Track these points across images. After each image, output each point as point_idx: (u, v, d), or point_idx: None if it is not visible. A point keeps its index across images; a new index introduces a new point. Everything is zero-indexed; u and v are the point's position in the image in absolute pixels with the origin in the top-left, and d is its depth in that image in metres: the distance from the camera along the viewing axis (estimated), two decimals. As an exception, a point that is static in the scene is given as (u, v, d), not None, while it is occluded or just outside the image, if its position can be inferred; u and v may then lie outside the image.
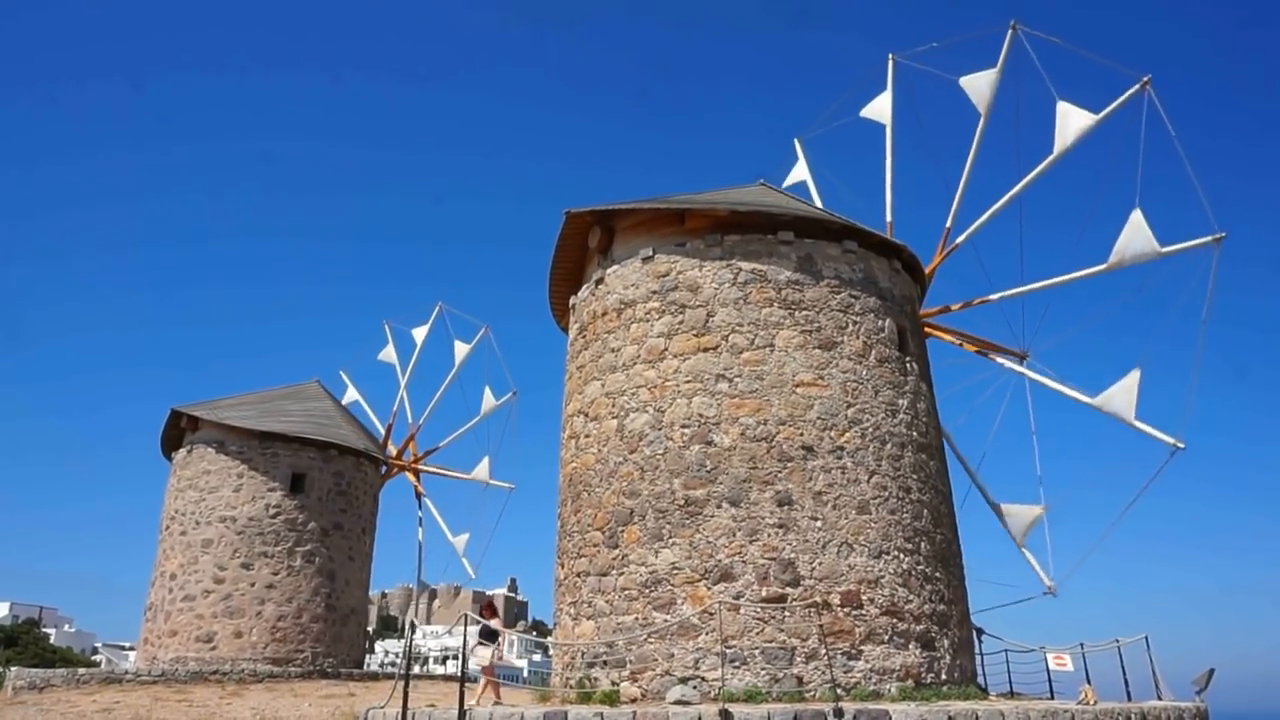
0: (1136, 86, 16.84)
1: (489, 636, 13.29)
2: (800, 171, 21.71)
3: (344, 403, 30.38)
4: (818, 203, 20.62)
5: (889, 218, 18.94)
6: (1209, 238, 16.51)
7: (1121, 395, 16.25)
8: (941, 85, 19.03)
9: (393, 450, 29.59)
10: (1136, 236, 16.37)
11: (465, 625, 11.67)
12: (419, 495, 29.69)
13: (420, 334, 31.17)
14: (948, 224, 18.46)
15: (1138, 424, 16.28)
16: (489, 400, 30.27)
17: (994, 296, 17.99)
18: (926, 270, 16.86)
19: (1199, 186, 16.25)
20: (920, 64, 19.51)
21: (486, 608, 14.27)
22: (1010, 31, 17.93)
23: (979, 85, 18.41)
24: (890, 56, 19.86)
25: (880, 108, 20.02)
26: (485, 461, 29.50)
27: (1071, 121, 17.13)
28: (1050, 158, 17.43)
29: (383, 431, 29.50)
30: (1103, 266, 16.76)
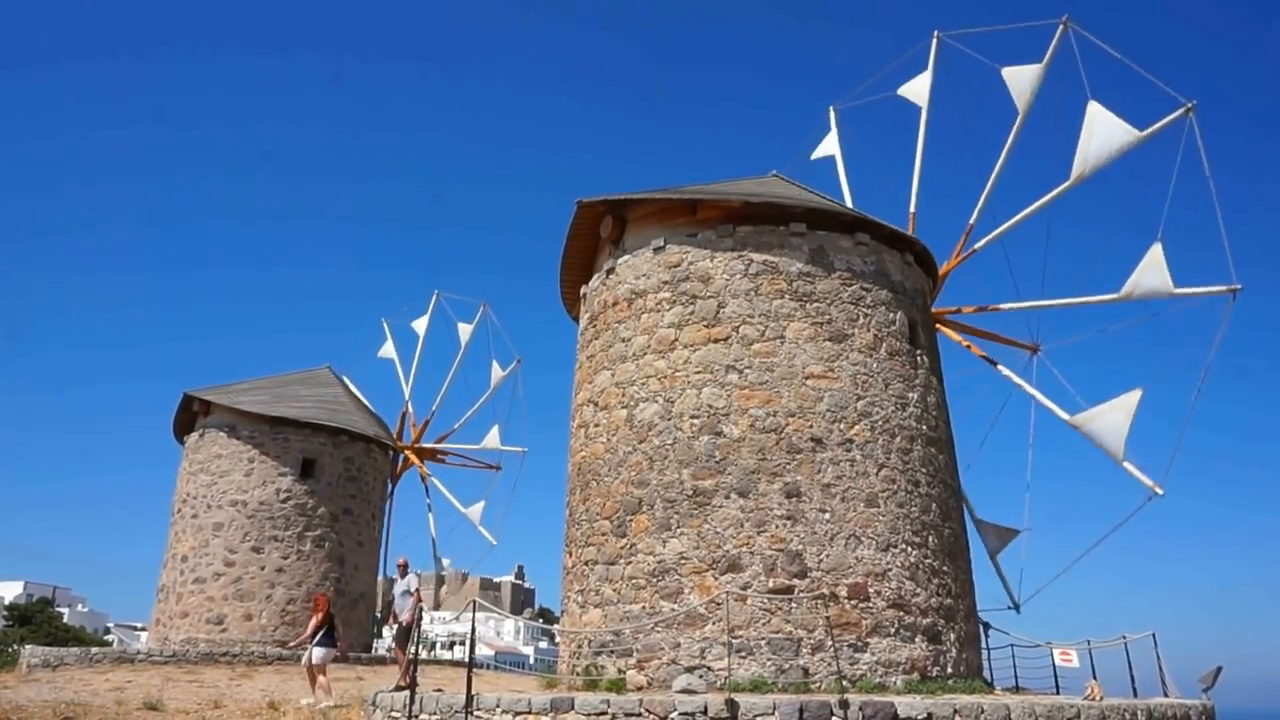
0: (1180, 111, 16.17)
1: (328, 635, 14.36)
2: (830, 144, 20.70)
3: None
4: (843, 178, 20.05)
5: (913, 208, 18.51)
6: (1224, 287, 15.93)
7: (1111, 433, 15.79)
8: (984, 71, 18.38)
9: (409, 435, 29.86)
10: (1152, 272, 15.79)
11: (474, 612, 11.72)
12: (425, 481, 29.97)
13: (421, 325, 31.49)
14: (971, 221, 18.08)
15: (1127, 465, 15.88)
16: (497, 372, 30.66)
17: (1004, 306, 17.75)
18: (941, 271, 16.64)
19: (1223, 230, 15.51)
20: (965, 48, 18.72)
21: (320, 597, 14.97)
22: (1061, 28, 17.33)
23: (1021, 80, 17.61)
24: (935, 35, 19.04)
25: (919, 88, 19.16)
26: (495, 430, 29.85)
27: (1098, 125, 16.28)
28: (1070, 181, 16.69)
29: (396, 425, 29.80)
30: (1115, 296, 16.33)
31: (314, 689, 14.12)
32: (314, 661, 14.06)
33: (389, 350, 31.73)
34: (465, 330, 30.94)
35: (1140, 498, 15.92)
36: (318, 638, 14.19)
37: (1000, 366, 17.61)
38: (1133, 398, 15.70)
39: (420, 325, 31.52)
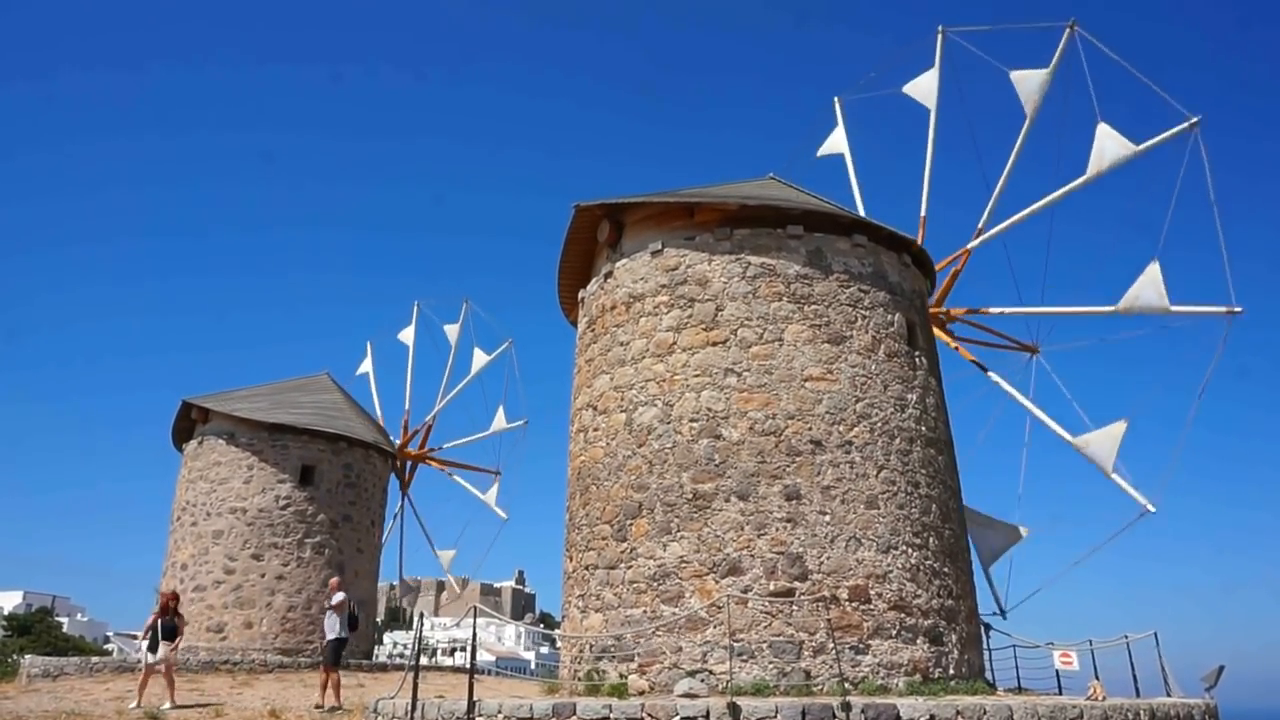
0: (1184, 125, 16.05)
1: (170, 633, 14.42)
2: (837, 141, 20.38)
3: (358, 373, 31.33)
4: (852, 176, 19.76)
5: (923, 213, 18.27)
6: (1223, 308, 15.81)
7: (1104, 443, 15.77)
8: (988, 69, 18.09)
9: (403, 437, 29.87)
10: (1150, 289, 15.78)
11: (475, 618, 11.72)
12: (404, 487, 29.98)
13: (453, 331, 31.79)
14: (980, 224, 17.92)
15: (1114, 476, 15.89)
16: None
17: (1002, 310, 17.72)
18: (947, 273, 16.57)
19: (1224, 252, 15.33)
20: (970, 45, 18.36)
21: (172, 597, 15.16)
22: (1067, 32, 17.14)
23: (1029, 84, 17.34)
24: (940, 30, 18.74)
25: (925, 87, 18.82)
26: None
27: (1108, 146, 16.28)
28: (1079, 180, 16.68)
29: (400, 418, 29.88)
30: (1111, 309, 16.36)
31: (142, 692, 14.27)
32: (155, 660, 14.22)
33: (408, 335, 32.16)
34: (481, 358, 31.37)
35: (1133, 510, 15.94)
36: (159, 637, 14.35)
37: (991, 373, 17.55)
38: (1119, 427, 15.75)
39: (452, 331, 31.99)
